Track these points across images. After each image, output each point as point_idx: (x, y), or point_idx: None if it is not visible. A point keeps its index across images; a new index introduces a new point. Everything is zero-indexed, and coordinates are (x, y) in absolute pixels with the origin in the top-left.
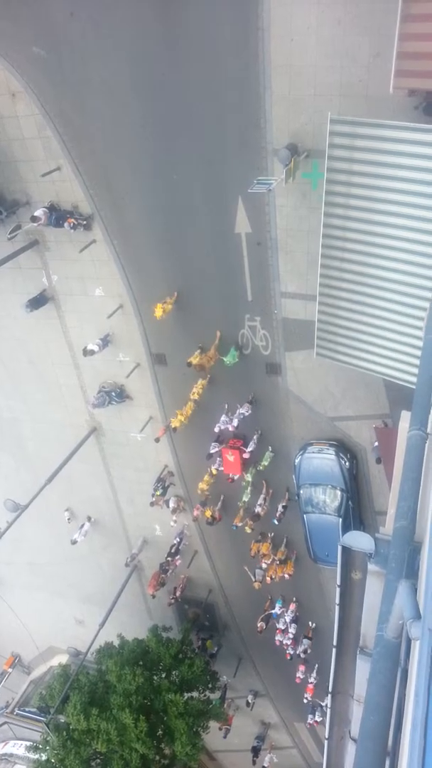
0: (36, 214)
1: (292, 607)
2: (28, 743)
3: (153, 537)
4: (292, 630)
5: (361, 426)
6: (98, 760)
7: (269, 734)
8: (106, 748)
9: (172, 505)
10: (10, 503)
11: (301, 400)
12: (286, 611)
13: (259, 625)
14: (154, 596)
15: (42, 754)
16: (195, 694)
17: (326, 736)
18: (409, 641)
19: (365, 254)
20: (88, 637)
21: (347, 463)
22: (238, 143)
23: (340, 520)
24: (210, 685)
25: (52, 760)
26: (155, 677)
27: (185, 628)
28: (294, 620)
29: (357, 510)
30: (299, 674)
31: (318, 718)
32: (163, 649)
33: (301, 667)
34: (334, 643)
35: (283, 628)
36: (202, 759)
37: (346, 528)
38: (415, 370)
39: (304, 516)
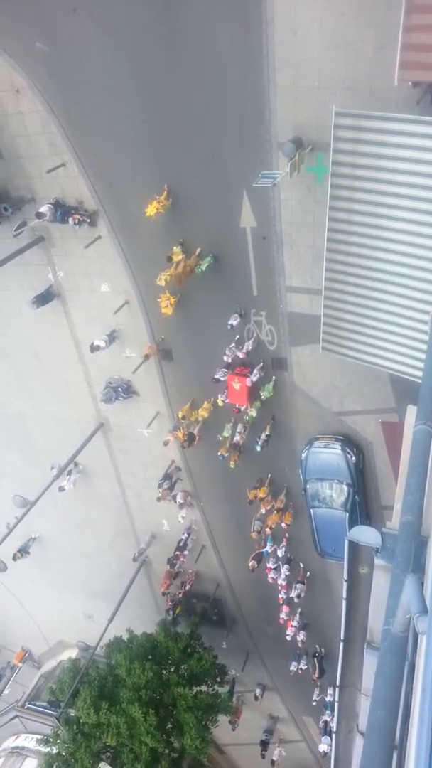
0: (41, 210)
1: (284, 543)
2: (39, 736)
3: (161, 532)
4: (285, 571)
5: (368, 420)
6: (108, 754)
7: (278, 728)
8: (116, 742)
9: (179, 500)
10: (18, 499)
11: (307, 394)
12: (278, 548)
13: (250, 564)
14: (165, 594)
15: (53, 748)
16: (204, 687)
17: (334, 730)
18: (416, 636)
19: (371, 248)
20: (97, 631)
21: (353, 458)
22: (243, 137)
23: (347, 514)
24: (218, 679)
25: (63, 754)
26: (164, 671)
27: (193, 623)
28: (287, 561)
29: (363, 504)
30: (282, 615)
31: (303, 666)
32: (172, 643)
33: (285, 608)
34: (342, 637)
35: (274, 567)
36: (211, 753)
37: (352, 523)
38: (421, 365)
39: (311, 511)
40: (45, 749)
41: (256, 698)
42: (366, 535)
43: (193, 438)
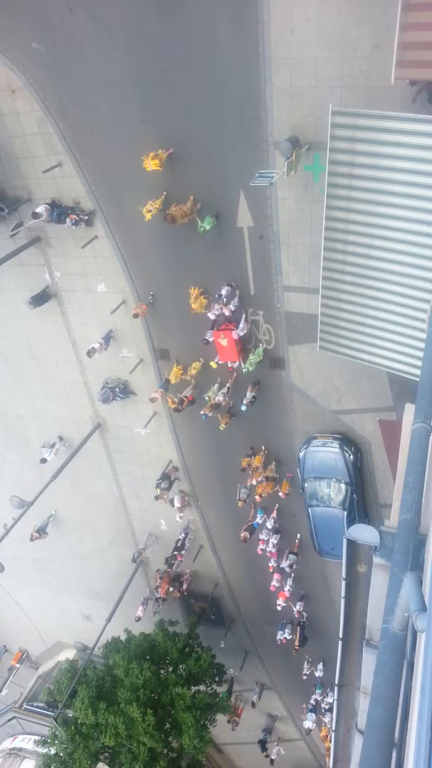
0: (37, 210)
1: (273, 514)
2: (37, 738)
3: (158, 532)
4: (273, 540)
5: (366, 419)
6: (106, 754)
7: (276, 727)
8: (114, 742)
9: (176, 503)
10: (15, 500)
11: (305, 393)
12: (267, 518)
13: (242, 534)
14: (164, 599)
15: (50, 749)
16: (202, 687)
17: (333, 729)
18: (415, 634)
19: (368, 247)
20: (95, 632)
21: (351, 456)
22: (239, 136)
23: (345, 513)
24: (217, 679)
25: (61, 754)
26: (162, 671)
27: (191, 622)
28: (276, 531)
29: (362, 503)
30: (274, 583)
31: (288, 636)
32: (170, 643)
33: (277, 576)
34: (340, 635)
35: (265, 538)
36: (210, 752)
37: (351, 521)
38: (419, 363)
39: (309, 509)
40: (43, 750)
41: (253, 705)
42: (364, 533)
43: (183, 401)
